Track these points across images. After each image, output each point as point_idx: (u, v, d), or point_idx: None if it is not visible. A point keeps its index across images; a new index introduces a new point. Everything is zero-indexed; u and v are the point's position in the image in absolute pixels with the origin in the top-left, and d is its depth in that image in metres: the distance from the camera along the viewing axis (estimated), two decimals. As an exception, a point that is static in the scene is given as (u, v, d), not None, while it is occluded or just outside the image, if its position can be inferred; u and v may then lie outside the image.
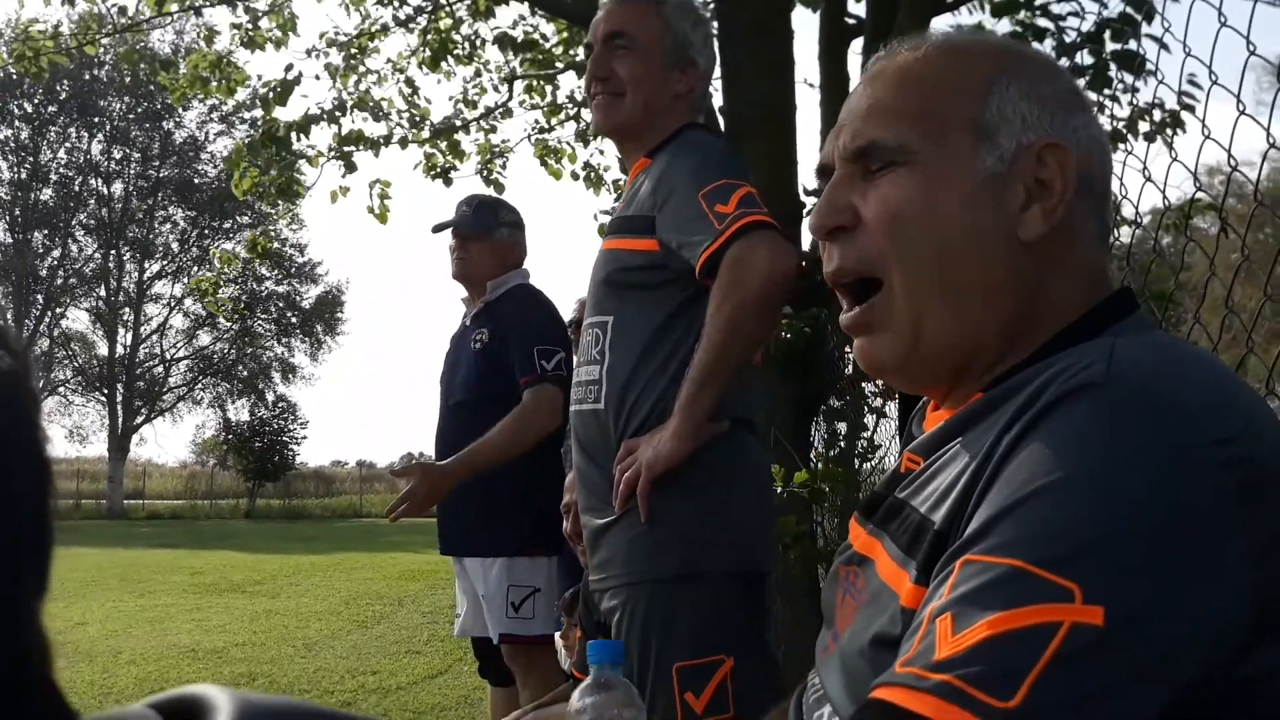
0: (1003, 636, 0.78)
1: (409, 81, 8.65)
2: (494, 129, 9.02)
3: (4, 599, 0.40)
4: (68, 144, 37.41)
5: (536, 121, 9.09)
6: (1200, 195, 2.21)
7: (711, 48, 2.55)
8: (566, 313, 4.79)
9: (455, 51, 8.56)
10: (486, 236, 3.75)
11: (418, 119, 8.68)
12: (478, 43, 8.66)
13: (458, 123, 8.79)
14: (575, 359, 2.49)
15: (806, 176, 5.29)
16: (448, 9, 8.43)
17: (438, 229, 3.83)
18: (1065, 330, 1.01)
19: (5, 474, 0.40)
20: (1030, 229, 1.02)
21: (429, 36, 8.45)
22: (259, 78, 8.21)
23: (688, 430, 2.13)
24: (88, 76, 34.84)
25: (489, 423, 3.54)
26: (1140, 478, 0.81)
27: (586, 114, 8.76)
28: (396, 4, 8.33)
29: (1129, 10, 3.08)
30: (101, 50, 8.58)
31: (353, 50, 8.34)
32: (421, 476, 3.40)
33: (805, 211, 5.01)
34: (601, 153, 9.10)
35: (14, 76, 7.57)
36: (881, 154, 1.06)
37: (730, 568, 2.20)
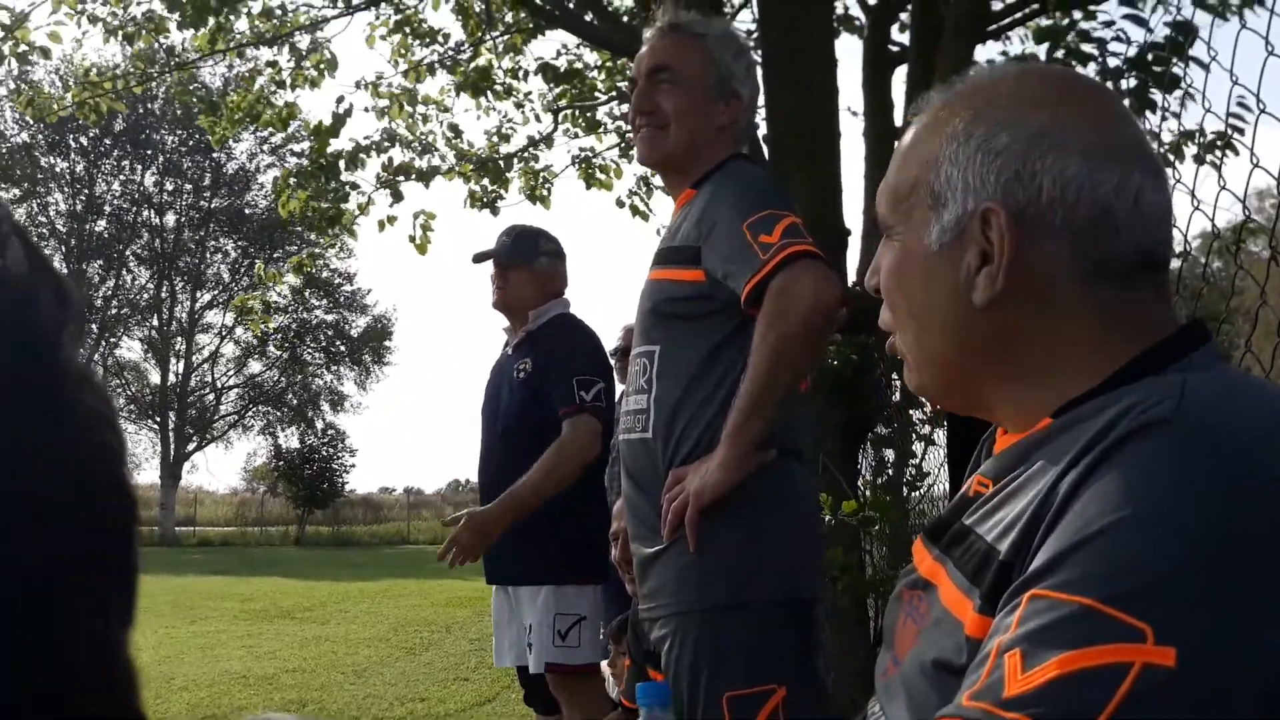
0: (1074, 676, 0.78)
1: (453, 127, 8.76)
2: (536, 158, 9.11)
3: (93, 628, 0.42)
4: (122, 176, 38.06)
5: (581, 149, 9.16)
6: (1252, 220, 2.19)
7: (755, 78, 2.56)
8: (612, 339, 4.81)
9: (494, 87, 8.66)
10: (526, 266, 3.76)
11: (461, 156, 8.78)
12: (519, 74, 8.75)
13: (499, 156, 8.88)
14: (624, 388, 2.51)
15: (850, 204, 5.31)
16: (490, 43, 8.53)
17: (478, 259, 3.85)
18: (1135, 361, 1.00)
19: (99, 509, 0.42)
20: (981, 294, 1.04)
21: (471, 68, 8.56)
22: (304, 123, 8.35)
23: (735, 459, 2.15)
24: (141, 110, 35.44)
25: (534, 451, 3.56)
26: (1199, 511, 0.81)
27: (629, 129, 8.79)
28: (441, 43, 8.44)
29: (1173, 34, 3.07)
30: (154, 84, 8.80)
31: (396, 91, 8.46)
32: (468, 522, 3.47)
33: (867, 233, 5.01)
34: (649, 177, 9.15)
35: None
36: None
37: (778, 596, 2.20)
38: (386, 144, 8.41)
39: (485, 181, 8.79)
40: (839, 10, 7.34)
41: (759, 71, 2.80)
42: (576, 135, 9.11)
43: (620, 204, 9.25)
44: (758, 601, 2.19)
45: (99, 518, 0.42)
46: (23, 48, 7.29)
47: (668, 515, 2.22)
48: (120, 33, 7.62)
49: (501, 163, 8.93)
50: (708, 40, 2.47)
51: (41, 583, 0.39)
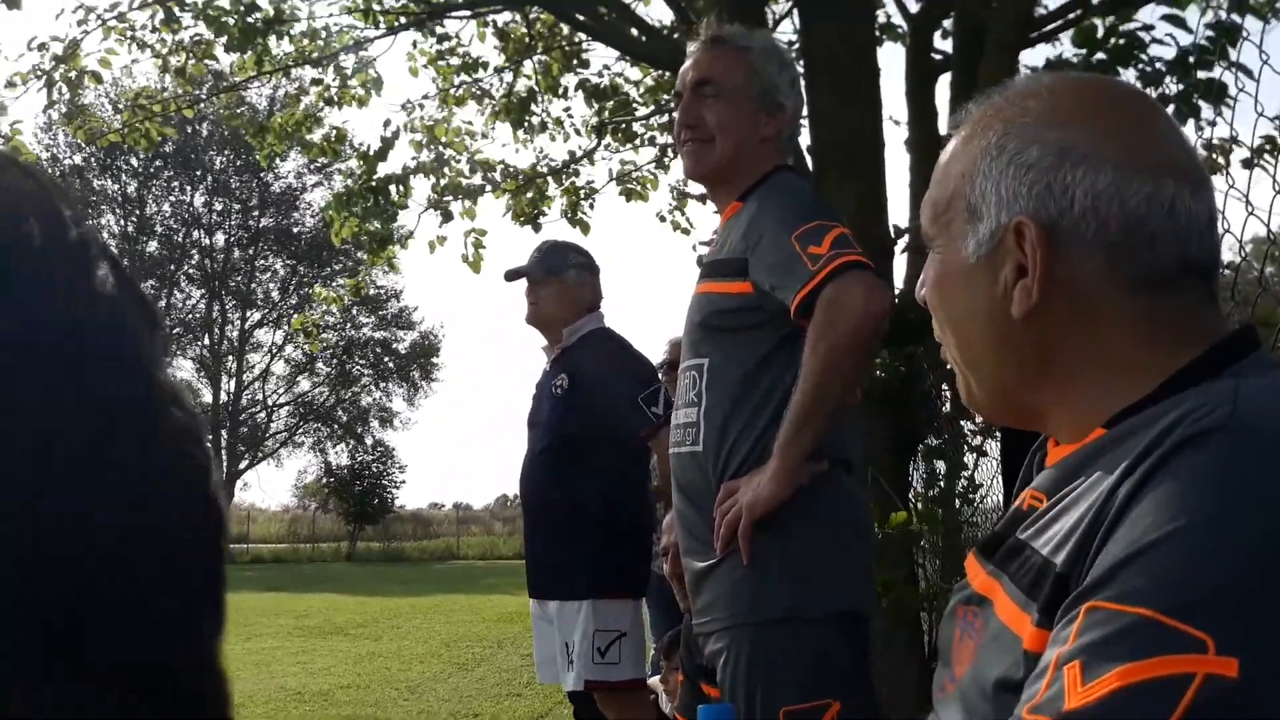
0: (1135, 687, 0.77)
1: (484, 163, 8.80)
2: (577, 173, 9.14)
3: (188, 640, 0.43)
4: (172, 197, 38.67)
5: (622, 162, 9.18)
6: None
7: (799, 89, 2.56)
8: (658, 354, 4.82)
9: (533, 116, 8.71)
10: (556, 279, 3.78)
11: (506, 174, 8.82)
12: (560, 92, 8.79)
13: (544, 171, 8.92)
14: (674, 401, 2.51)
15: (896, 213, 5.28)
16: (532, 66, 8.58)
17: (510, 277, 3.87)
18: (1186, 368, 0.99)
19: (191, 526, 0.43)
20: (1018, 306, 1.05)
21: (511, 96, 8.63)
22: (353, 146, 8.45)
23: (787, 471, 2.14)
24: (190, 131, 35.97)
25: (572, 466, 3.58)
26: (1256, 519, 0.81)
27: (664, 138, 8.91)
28: (482, 70, 8.51)
29: (1215, 36, 3.03)
30: (202, 106, 8.96)
31: (429, 123, 8.55)
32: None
33: (902, 249, 4.99)
34: (687, 191, 9.15)
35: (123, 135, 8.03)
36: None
37: (833, 610, 2.20)
38: (434, 164, 8.49)
39: (528, 197, 8.83)
40: (881, 19, 7.31)
41: (802, 83, 2.79)
42: (617, 150, 9.14)
43: (661, 218, 9.26)
44: (812, 615, 2.18)
45: (190, 535, 0.43)
46: (74, 73, 7.42)
47: (720, 529, 2.21)
48: (169, 59, 7.74)
49: (549, 178, 8.97)
50: (751, 53, 2.48)
51: (139, 598, 0.41)
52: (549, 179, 8.94)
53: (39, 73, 7.26)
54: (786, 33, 7.61)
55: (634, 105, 8.93)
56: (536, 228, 8.84)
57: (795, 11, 6.70)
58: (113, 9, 7.31)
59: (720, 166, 2.45)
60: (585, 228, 8.97)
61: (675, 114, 2.53)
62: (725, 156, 2.43)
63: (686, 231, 9.27)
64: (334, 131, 8.48)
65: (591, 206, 9.08)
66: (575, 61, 8.51)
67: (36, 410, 0.39)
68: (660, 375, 3.96)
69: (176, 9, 7.33)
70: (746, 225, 2.32)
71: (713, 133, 2.43)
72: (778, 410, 2.21)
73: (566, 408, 3.65)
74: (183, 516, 0.43)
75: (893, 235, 5.08)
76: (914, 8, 7.08)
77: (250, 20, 7.19)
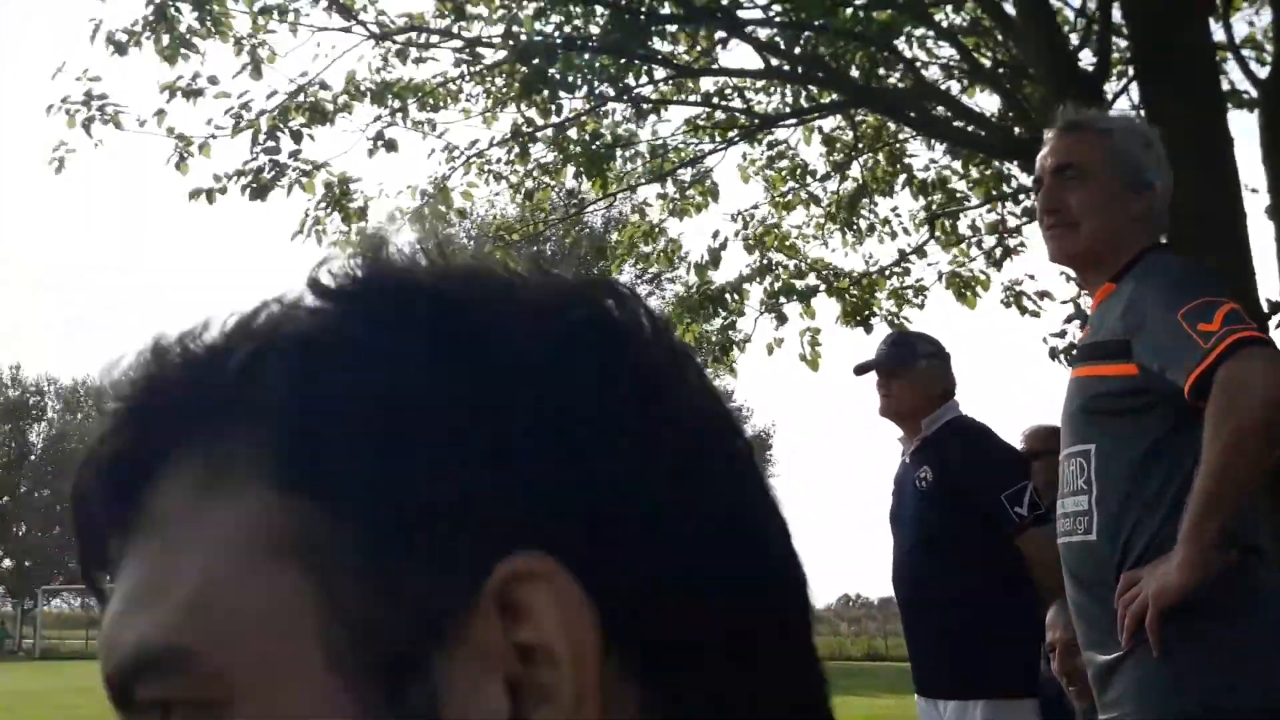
0: None
1: (817, 264, 8.92)
2: (907, 271, 9.08)
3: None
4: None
5: (950, 262, 9.06)
6: None
7: (1167, 167, 2.51)
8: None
9: (861, 215, 8.79)
10: (907, 370, 3.72)
11: (833, 276, 8.92)
12: (888, 188, 8.84)
13: (873, 272, 8.96)
14: (1058, 491, 2.44)
15: (1266, 285, 4.98)
16: (864, 168, 8.70)
17: (860, 371, 3.85)
18: None
19: (800, 600, 0.52)
20: None
21: (841, 197, 8.77)
22: (685, 257, 8.82)
23: (1195, 560, 2.04)
24: (534, 249, 38.32)
25: (943, 561, 3.50)
26: None
27: (991, 240, 8.73)
28: (811, 177, 8.72)
29: None
30: (549, 231, 9.67)
31: (760, 231, 8.80)
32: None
33: (1276, 324, 4.70)
34: (1032, 277, 8.92)
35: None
36: None
37: (1256, 707, 2.07)
38: (764, 267, 8.70)
39: (854, 299, 8.86)
40: (1224, 86, 6.97)
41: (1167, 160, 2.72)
42: (948, 248, 9.03)
43: (1005, 304, 9.03)
44: (1238, 711, 2.07)
45: (799, 613, 0.51)
46: (442, 207, 8.16)
47: (1125, 620, 2.13)
48: (521, 188, 8.39)
49: (874, 276, 8.99)
50: (1112, 135, 2.46)
51: (785, 636, 0.50)
52: (877, 279, 8.95)
53: (412, 213, 8.02)
54: (1123, 109, 7.39)
55: (962, 198, 8.86)
56: (868, 329, 8.85)
57: (1135, 85, 6.50)
58: (472, 145, 8.03)
59: (1087, 250, 2.42)
60: (902, 329, 8.91)
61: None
62: (1091, 238, 2.40)
63: (1036, 315, 8.97)
64: (671, 244, 8.88)
65: (921, 306, 8.99)
66: (900, 164, 8.59)
67: (671, 498, 0.47)
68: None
69: (529, 143, 7.94)
70: (1125, 306, 2.27)
71: (1077, 217, 2.41)
72: (1177, 496, 2.12)
73: (933, 501, 3.59)
74: (797, 574, 0.52)
75: (1265, 310, 4.78)
76: (1262, 73, 6.72)
77: (595, 146, 7.68)
